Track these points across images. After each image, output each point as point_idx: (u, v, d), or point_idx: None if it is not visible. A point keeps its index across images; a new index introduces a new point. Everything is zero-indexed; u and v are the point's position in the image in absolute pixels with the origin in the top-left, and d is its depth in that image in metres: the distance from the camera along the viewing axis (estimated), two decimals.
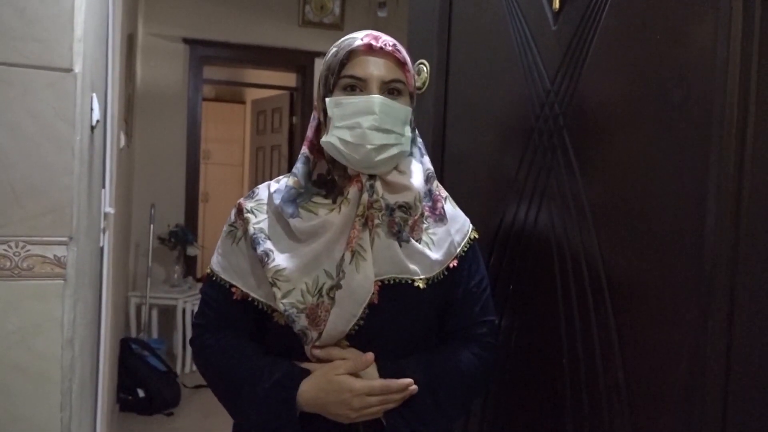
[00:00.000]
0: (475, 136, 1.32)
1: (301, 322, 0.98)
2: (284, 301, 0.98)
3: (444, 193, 1.11)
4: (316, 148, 1.05)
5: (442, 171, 1.37)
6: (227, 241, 1.08)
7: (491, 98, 1.27)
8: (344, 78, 1.00)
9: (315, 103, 1.09)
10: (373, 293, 0.99)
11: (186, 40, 4.54)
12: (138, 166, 4.34)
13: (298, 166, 1.06)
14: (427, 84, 1.41)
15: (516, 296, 1.17)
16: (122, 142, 2.73)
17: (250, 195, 1.10)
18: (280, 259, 1.00)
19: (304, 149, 1.07)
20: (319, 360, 1.00)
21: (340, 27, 4.75)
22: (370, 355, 0.99)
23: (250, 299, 1.04)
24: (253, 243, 1.02)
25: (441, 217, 1.07)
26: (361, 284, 0.98)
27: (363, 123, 0.97)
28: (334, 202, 1.01)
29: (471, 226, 1.12)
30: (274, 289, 0.99)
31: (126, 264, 3.99)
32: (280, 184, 1.08)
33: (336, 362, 0.99)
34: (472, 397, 1.12)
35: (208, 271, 1.11)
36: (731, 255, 0.78)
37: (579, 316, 1.01)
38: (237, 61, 5.23)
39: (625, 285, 0.93)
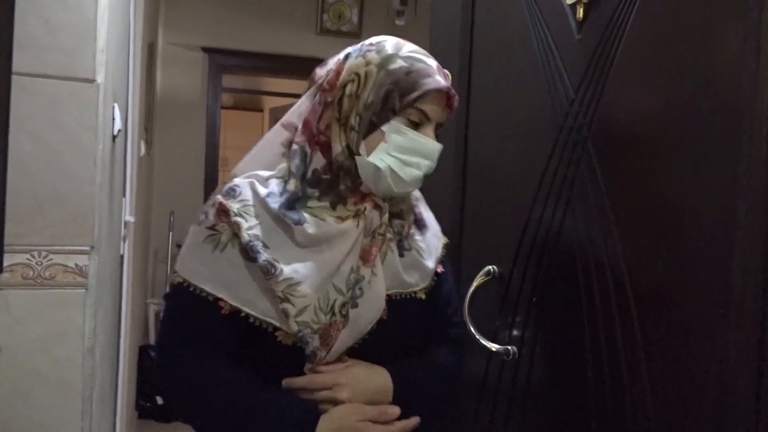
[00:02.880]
0: (497, 145, 1.31)
1: (314, 342, 0.92)
2: (298, 319, 0.91)
3: (417, 193, 1.10)
4: (316, 141, 0.98)
5: (464, 179, 1.36)
6: (205, 247, 0.94)
7: (514, 107, 1.26)
8: (416, 110, 0.96)
9: (328, 88, 0.98)
10: (384, 309, 0.97)
11: (205, 49, 4.58)
12: (157, 174, 4.37)
13: (296, 163, 0.98)
14: None
15: (539, 307, 1.15)
16: (142, 151, 2.75)
17: (230, 193, 0.97)
18: (289, 271, 0.92)
19: (301, 140, 0.98)
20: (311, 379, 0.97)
21: (357, 35, 4.76)
22: (396, 410, 0.97)
23: (243, 314, 0.93)
24: (250, 251, 0.92)
25: (422, 224, 1.07)
26: (374, 302, 0.96)
27: (422, 166, 0.97)
28: (333, 207, 0.97)
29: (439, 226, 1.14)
30: (286, 305, 0.91)
31: (145, 271, 4.01)
32: (270, 186, 0.98)
33: (358, 406, 0.95)
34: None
35: (178, 280, 0.95)
36: (762, 267, 0.76)
37: (604, 329, 0.99)
38: (255, 70, 5.27)
39: (652, 297, 0.91)
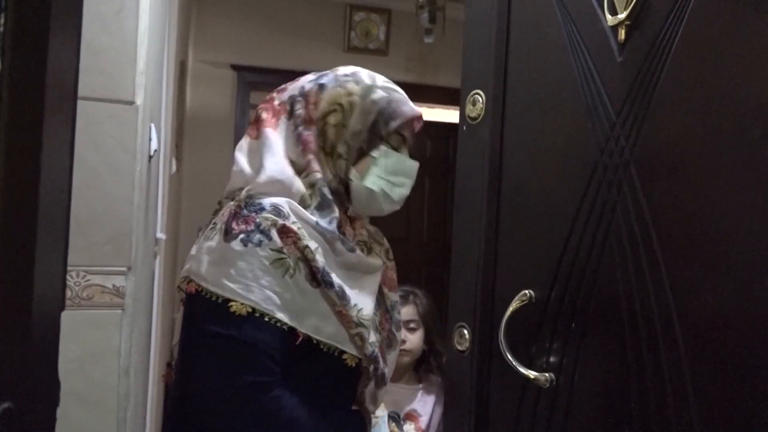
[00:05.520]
0: (534, 168, 1.29)
1: (383, 363, 0.97)
2: (371, 341, 0.94)
3: None
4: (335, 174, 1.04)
5: (498, 202, 1.35)
6: (276, 272, 0.89)
7: (551, 130, 1.24)
8: (397, 135, 1.08)
9: (308, 120, 1.03)
10: None
11: (234, 67, 4.62)
12: (186, 191, 4.41)
13: (327, 191, 1.00)
14: (482, 115, 1.39)
15: (578, 334, 1.13)
16: (173, 168, 2.78)
17: (280, 213, 0.93)
18: (353, 296, 0.95)
19: (319, 177, 0.99)
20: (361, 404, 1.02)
21: (385, 53, 4.78)
22: None
23: (315, 342, 0.93)
24: (324, 277, 0.92)
25: None
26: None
27: (407, 185, 1.06)
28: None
29: None
30: (361, 330, 0.93)
31: (173, 287, 4.03)
32: (311, 209, 0.98)
33: None
34: None
35: (249, 309, 0.88)
36: None
37: (649, 359, 0.96)
38: None
39: (700, 328, 0.89)
